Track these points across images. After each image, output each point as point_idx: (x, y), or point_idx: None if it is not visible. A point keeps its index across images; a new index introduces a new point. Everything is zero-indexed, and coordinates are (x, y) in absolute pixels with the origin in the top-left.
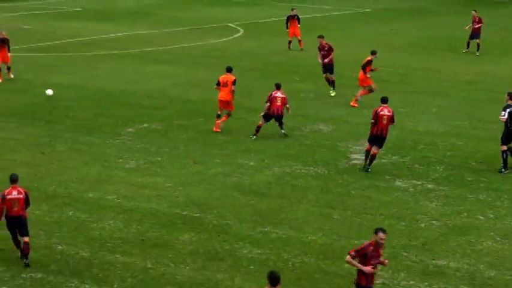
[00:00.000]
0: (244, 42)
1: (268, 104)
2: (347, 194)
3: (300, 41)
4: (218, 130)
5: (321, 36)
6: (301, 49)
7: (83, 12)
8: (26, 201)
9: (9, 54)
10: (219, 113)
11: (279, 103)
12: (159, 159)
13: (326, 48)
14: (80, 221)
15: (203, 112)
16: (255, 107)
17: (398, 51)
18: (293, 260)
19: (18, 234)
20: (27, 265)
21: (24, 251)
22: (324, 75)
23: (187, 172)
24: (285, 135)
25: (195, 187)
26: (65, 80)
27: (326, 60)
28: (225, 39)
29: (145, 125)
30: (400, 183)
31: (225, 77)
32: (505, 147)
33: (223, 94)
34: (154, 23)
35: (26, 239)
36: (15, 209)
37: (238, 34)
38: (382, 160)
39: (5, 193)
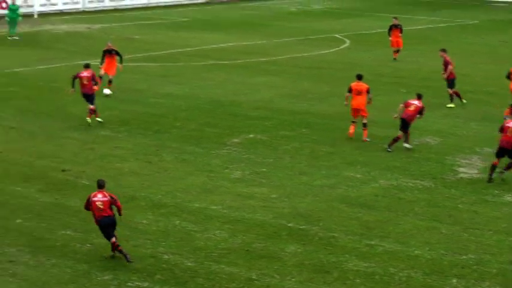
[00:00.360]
0: (350, 53)
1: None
2: (454, 208)
3: (397, 51)
4: (352, 136)
5: (443, 50)
6: (394, 59)
7: (192, 22)
8: (113, 203)
9: (119, 65)
10: (354, 120)
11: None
12: (265, 169)
13: (443, 62)
14: (185, 231)
15: (308, 123)
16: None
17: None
18: (399, 274)
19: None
20: (112, 257)
21: (114, 246)
22: (449, 90)
23: (293, 183)
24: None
25: (301, 198)
26: (175, 89)
27: (445, 75)
28: (331, 50)
29: (251, 135)
30: (509, 198)
31: (357, 85)
32: None
33: (356, 102)
34: (262, 33)
35: (113, 239)
36: (100, 210)
37: (345, 45)
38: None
39: (91, 196)
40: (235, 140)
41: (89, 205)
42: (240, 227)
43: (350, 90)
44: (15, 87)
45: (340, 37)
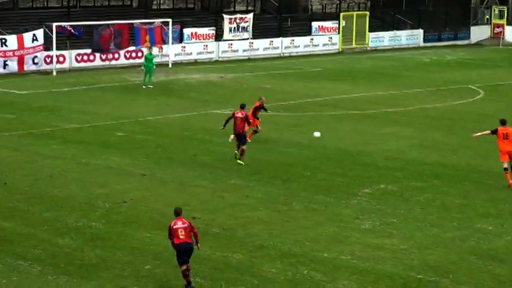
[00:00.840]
0: (483, 104)
1: None
2: None
3: None
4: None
5: None
6: None
7: (323, 72)
8: (191, 230)
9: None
10: (505, 166)
11: None
12: (395, 220)
13: None
14: (314, 281)
15: (439, 174)
16: (494, 170)
17: None
18: None
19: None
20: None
21: (184, 273)
22: None
23: (423, 235)
24: None
25: (431, 250)
26: (304, 139)
27: None
28: (464, 101)
29: (381, 185)
30: None
31: (503, 129)
32: None
33: (504, 146)
34: (393, 83)
35: (184, 267)
36: (182, 237)
37: (479, 96)
38: None
39: (171, 224)
40: (366, 190)
41: (171, 233)
42: (369, 278)
43: (495, 131)
44: (148, 135)
45: (475, 88)
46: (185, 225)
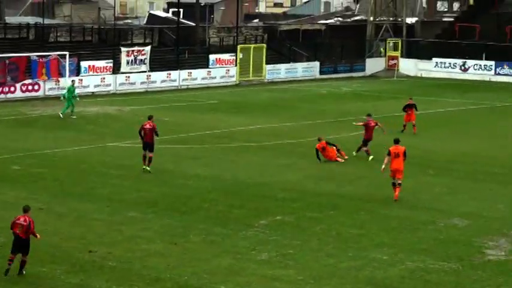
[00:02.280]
0: (378, 135)
1: None
2: None
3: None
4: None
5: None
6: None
7: (220, 104)
8: (28, 230)
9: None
10: (393, 181)
11: None
12: (291, 251)
13: None
14: None
15: (336, 205)
16: (388, 200)
17: None
18: None
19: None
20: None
21: (21, 264)
22: None
23: (319, 265)
24: None
25: (327, 280)
26: (203, 171)
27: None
28: (358, 133)
29: (278, 217)
30: None
31: (395, 148)
32: None
33: (395, 164)
34: (289, 115)
35: (12, 256)
36: (18, 231)
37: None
38: None
39: (14, 219)
40: (263, 222)
41: (12, 225)
42: None
43: (389, 153)
44: (45, 168)
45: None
46: (25, 223)
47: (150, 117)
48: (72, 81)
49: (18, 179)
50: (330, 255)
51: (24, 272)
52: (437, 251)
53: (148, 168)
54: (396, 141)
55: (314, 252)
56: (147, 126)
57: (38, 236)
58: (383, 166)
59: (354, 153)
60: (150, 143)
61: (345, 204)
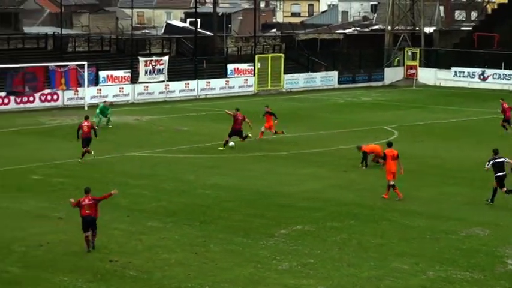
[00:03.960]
0: (398, 145)
1: None
2: None
3: None
4: (386, 197)
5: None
6: None
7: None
8: (95, 205)
9: None
10: (391, 183)
11: None
12: (312, 261)
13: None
14: None
15: (356, 214)
16: (409, 210)
17: None
18: None
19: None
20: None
21: (86, 239)
22: None
23: (340, 275)
24: None
25: None
26: (221, 181)
27: None
28: (378, 142)
29: (298, 226)
30: None
31: (390, 151)
32: None
33: (392, 166)
34: (308, 125)
35: (87, 233)
36: (87, 211)
37: (393, 137)
38: None
39: (81, 200)
40: (283, 231)
41: (79, 206)
42: None
43: (385, 157)
44: (65, 178)
45: (389, 129)
46: (90, 202)
47: (86, 117)
48: (105, 101)
49: (38, 188)
50: (351, 265)
51: (94, 247)
52: (459, 260)
53: (80, 161)
54: (390, 145)
55: (335, 261)
56: (85, 123)
57: (113, 191)
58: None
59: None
60: (88, 138)
61: (365, 213)
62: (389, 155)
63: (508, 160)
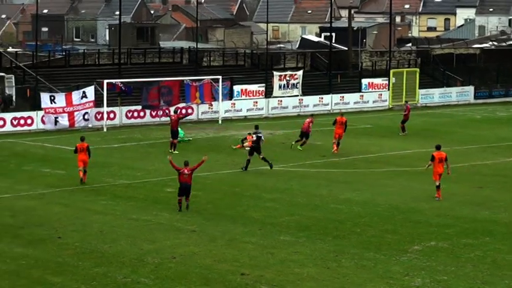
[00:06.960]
0: None
1: None
2: None
3: None
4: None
5: None
6: None
7: (373, 129)
8: (192, 172)
9: None
10: (437, 184)
11: None
12: (445, 277)
13: None
14: None
15: (491, 231)
16: None
17: None
18: None
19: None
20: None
21: (179, 201)
22: None
23: None
24: None
25: None
26: (355, 196)
27: None
28: None
29: (432, 242)
30: None
31: (438, 153)
32: None
33: (439, 168)
34: (444, 141)
35: (180, 198)
36: (185, 177)
37: None
38: None
39: (181, 171)
40: (416, 247)
41: (179, 173)
42: None
43: (433, 159)
44: (198, 191)
45: None
46: (189, 172)
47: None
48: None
49: (171, 201)
50: (486, 283)
51: (187, 207)
52: None
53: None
54: (438, 147)
55: (469, 279)
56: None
57: (204, 158)
58: (426, 166)
59: None
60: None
61: (500, 230)
62: (437, 157)
63: None
